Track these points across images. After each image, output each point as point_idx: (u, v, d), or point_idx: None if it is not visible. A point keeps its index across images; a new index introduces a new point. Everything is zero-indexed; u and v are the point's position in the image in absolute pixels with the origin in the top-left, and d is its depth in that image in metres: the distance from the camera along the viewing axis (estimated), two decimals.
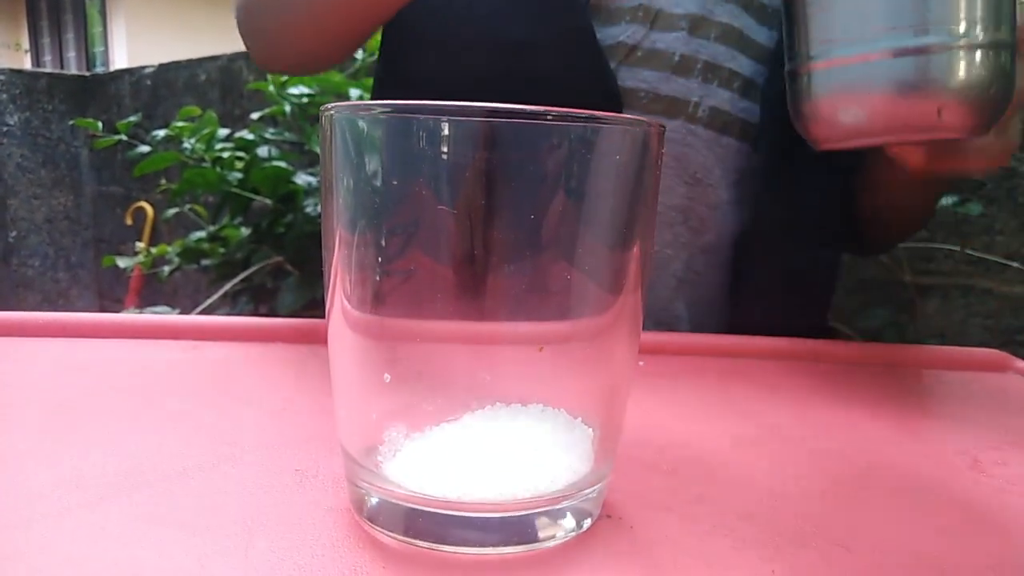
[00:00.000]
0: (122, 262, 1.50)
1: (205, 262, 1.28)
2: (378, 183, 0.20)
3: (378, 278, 0.21)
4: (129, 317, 0.43)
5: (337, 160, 0.21)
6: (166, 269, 1.35)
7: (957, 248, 0.97)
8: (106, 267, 1.69)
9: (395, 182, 0.21)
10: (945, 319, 1.00)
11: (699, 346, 0.43)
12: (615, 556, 0.21)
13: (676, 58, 0.51)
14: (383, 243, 0.21)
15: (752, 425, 0.33)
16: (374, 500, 0.22)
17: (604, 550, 0.22)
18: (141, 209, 1.99)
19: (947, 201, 0.91)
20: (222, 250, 1.26)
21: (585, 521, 0.23)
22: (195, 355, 0.39)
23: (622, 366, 0.23)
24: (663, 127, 0.22)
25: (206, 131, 1.23)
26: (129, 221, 1.99)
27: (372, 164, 0.21)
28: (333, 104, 0.21)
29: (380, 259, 0.21)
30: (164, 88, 2.25)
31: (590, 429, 0.23)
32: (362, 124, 0.21)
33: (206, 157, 1.22)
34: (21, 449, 0.27)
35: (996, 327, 0.97)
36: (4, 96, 2.11)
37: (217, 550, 0.21)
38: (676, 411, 0.34)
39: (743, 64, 0.52)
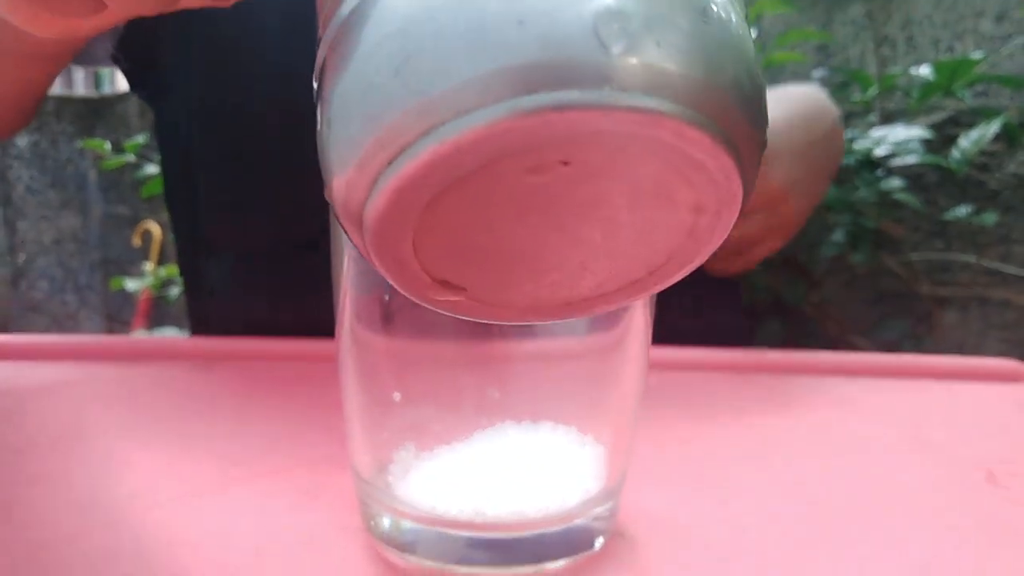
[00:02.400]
0: (131, 284, 1.50)
1: None
2: None
3: (387, 297, 0.21)
4: (138, 339, 0.43)
5: None
6: (175, 291, 1.36)
7: (973, 259, 0.96)
8: (114, 290, 1.70)
9: None
10: (963, 331, 0.99)
11: (710, 362, 0.43)
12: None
13: None
14: None
15: (765, 440, 0.32)
16: (385, 520, 0.22)
17: (616, 570, 0.22)
18: (148, 231, 1.99)
19: (962, 211, 0.91)
20: None
21: (597, 540, 0.22)
22: (204, 376, 0.39)
23: (632, 383, 0.23)
24: None
25: None
26: (137, 242, 2.00)
27: None
28: None
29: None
30: None
31: (601, 447, 0.23)
32: None
33: None
34: (32, 471, 0.27)
35: (1015, 339, 0.97)
36: None
37: (229, 570, 0.21)
38: (688, 428, 0.33)
39: None
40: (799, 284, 1.03)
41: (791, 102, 0.63)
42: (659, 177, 0.14)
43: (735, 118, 0.13)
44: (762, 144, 0.15)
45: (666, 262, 0.16)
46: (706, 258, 0.16)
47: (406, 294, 0.16)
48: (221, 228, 0.53)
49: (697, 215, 0.14)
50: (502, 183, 0.13)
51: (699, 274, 0.17)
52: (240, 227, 0.52)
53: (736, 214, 0.14)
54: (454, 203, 0.14)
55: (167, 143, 0.56)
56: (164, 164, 0.58)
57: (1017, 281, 0.94)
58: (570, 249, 0.15)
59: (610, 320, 0.22)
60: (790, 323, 1.03)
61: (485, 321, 0.17)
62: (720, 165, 0.13)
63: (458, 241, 0.14)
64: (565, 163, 0.13)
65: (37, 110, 0.50)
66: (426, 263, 0.15)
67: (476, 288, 0.15)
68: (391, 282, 0.15)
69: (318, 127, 0.15)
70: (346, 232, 0.15)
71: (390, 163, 0.13)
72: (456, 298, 0.16)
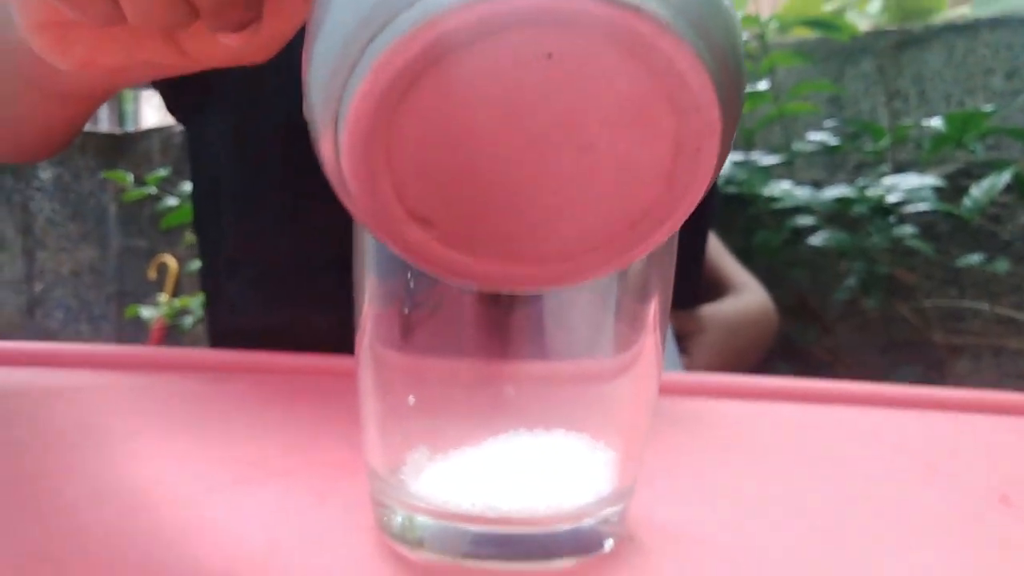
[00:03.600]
0: (145, 312, 1.52)
1: None
2: None
3: (406, 311, 0.22)
4: (153, 350, 0.43)
5: None
6: (189, 320, 1.37)
7: (987, 307, 0.96)
8: (128, 319, 1.71)
9: None
10: (977, 380, 0.99)
11: (724, 388, 0.43)
12: None
13: None
14: (411, 278, 0.21)
15: (778, 462, 0.32)
16: (397, 516, 0.22)
17: (626, 572, 0.22)
18: (164, 264, 2.02)
19: (975, 259, 0.91)
20: None
21: (607, 542, 0.23)
22: (219, 387, 0.40)
23: (645, 398, 0.23)
24: None
25: None
26: (153, 275, 2.02)
27: None
28: None
29: (410, 288, 0.21)
30: None
31: (612, 452, 0.23)
32: None
33: None
34: (48, 467, 0.27)
35: None
36: None
37: (241, 562, 0.21)
38: (702, 450, 0.34)
39: None
40: (811, 328, 1.03)
41: (751, 305, 0.77)
42: (640, 92, 0.13)
43: (718, 46, 0.13)
44: (740, 95, 0.14)
45: (643, 217, 0.15)
46: (683, 218, 0.15)
47: (378, 232, 0.15)
48: (245, 247, 0.55)
49: (677, 153, 0.14)
50: (483, 74, 0.13)
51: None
52: (264, 246, 0.54)
53: (714, 159, 0.14)
54: (432, 101, 0.13)
55: (198, 163, 0.58)
56: (195, 184, 0.60)
57: None
58: (547, 181, 0.14)
59: (624, 342, 0.22)
60: (801, 367, 1.03)
61: (456, 279, 0.16)
62: (701, 83, 0.13)
63: (433, 159, 0.14)
64: (548, 55, 0.13)
65: (68, 144, 0.51)
66: (399, 186, 0.14)
67: (449, 223, 0.15)
68: (363, 217, 0.15)
69: (304, 56, 0.14)
70: (321, 160, 0.14)
71: (372, 39, 0.13)
72: (428, 235, 0.15)
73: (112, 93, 0.45)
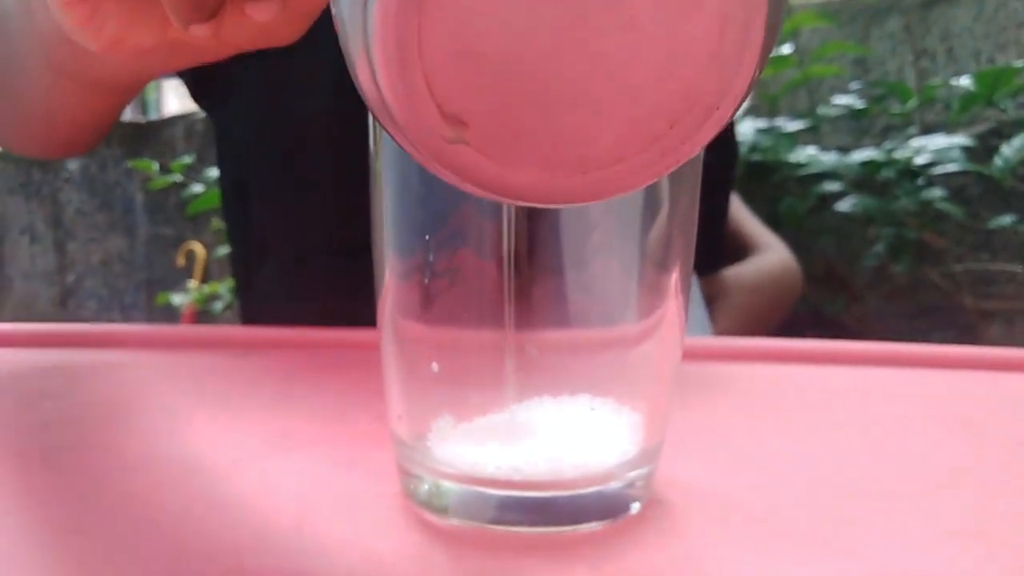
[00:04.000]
0: (176, 299, 1.54)
1: None
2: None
3: (426, 281, 0.22)
4: (179, 328, 0.44)
5: (387, 160, 0.22)
6: (219, 305, 1.38)
7: (1019, 269, 0.94)
8: (159, 307, 1.74)
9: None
10: (1010, 345, 0.97)
11: (753, 351, 0.43)
12: (662, 540, 0.21)
13: None
14: (432, 247, 0.21)
15: (808, 422, 0.32)
16: (424, 484, 0.22)
17: (654, 534, 0.22)
18: (192, 251, 2.04)
19: (1007, 221, 0.89)
20: None
21: (633, 505, 0.23)
22: (245, 363, 0.40)
23: (669, 363, 0.23)
24: None
25: None
26: (181, 262, 2.04)
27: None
28: None
29: (430, 259, 0.21)
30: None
31: (638, 415, 0.23)
32: None
33: None
34: (82, 442, 0.28)
35: None
36: None
37: (271, 527, 0.21)
38: (730, 411, 0.33)
39: None
40: (839, 297, 1.01)
41: (772, 263, 0.77)
42: None
43: None
44: None
45: (691, 106, 0.14)
46: (732, 107, 0.14)
47: (412, 143, 0.14)
48: (273, 233, 0.55)
49: (723, 28, 0.13)
50: None
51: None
52: (293, 234, 0.54)
53: (761, 37, 0.13)
54: None
55: (225, 152, 0.59)
56: (222, 172, 0.60)
57: None
58: (589, 67, 0.13)
59: (647, 307, 0.22)
60: (830, 337, 1.01)
61: (492, 195, 0.15)
62: None
63: (468, 46, 0.13)
64: None
65: (99, 140, 0.52)
66: (432, 81, 0.13)
67: (484, 122, 0.14)
68: (398, 130, 0.14)
69: None
70: (357, 83, 0.14)
71: None
72: (461, 136, 0.14)
73: (140, 85, 0.45)
